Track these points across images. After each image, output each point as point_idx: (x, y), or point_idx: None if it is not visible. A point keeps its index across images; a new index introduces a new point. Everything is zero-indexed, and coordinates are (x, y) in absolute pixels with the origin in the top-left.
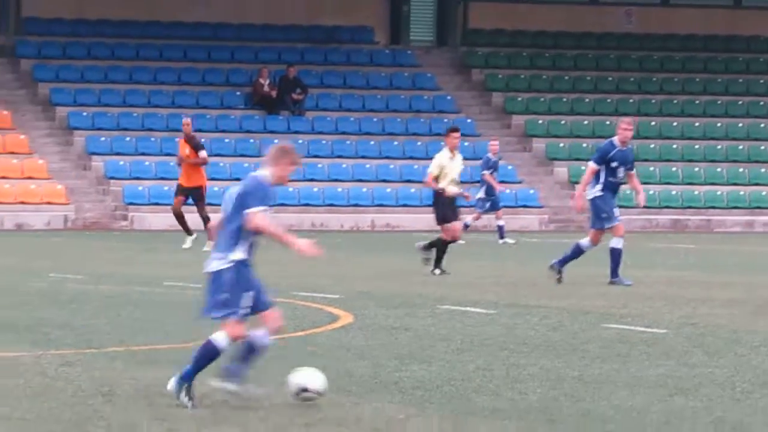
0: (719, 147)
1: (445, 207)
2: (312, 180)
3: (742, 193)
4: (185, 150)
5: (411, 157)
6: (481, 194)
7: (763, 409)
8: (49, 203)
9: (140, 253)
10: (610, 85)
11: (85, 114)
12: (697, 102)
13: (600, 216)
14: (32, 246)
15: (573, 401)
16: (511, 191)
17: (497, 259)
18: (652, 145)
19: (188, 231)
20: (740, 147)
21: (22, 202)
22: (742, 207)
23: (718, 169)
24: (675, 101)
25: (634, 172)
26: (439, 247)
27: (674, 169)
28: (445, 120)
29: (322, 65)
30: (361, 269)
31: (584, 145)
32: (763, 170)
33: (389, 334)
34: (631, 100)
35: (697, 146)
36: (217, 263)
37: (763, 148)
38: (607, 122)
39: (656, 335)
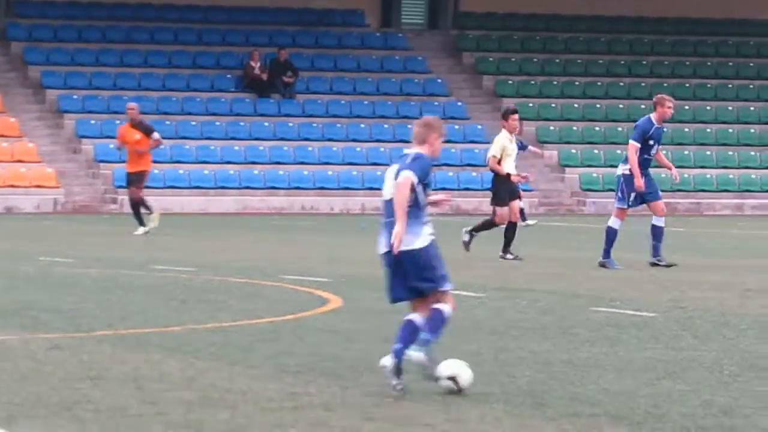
0: (709, 130)
1: (506, 188)
2: (303, 163)
3: (731, 176)
4: (134, 135)
5: (402, 141)
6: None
7: (751, 392)
8: (38, 186)
9: (129, 237)
10: (600, 68)
11: (75, 97)
12: (688, 85)
13: (620, 194)
14: (22, 229)
15: (562, 385)
16: None
17: (486, 242)
18: None
19: (141, 222)
20: (730, 130)
21: (12, 186)
22: (732, 190)
23: (708, 152)
24: (665, 84)
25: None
26: (509, 231)
27: (664, 152)
28: (436, 103)
29: (313, 48)
30: (350, 252)
31: (574, 128)
32: (752, 153)
33: (378, 318)
34: (621, 84)
35: (686, 129)
36: (417, 240)
37: (752, 131)
38: (598, 105)
39: (645, 319)
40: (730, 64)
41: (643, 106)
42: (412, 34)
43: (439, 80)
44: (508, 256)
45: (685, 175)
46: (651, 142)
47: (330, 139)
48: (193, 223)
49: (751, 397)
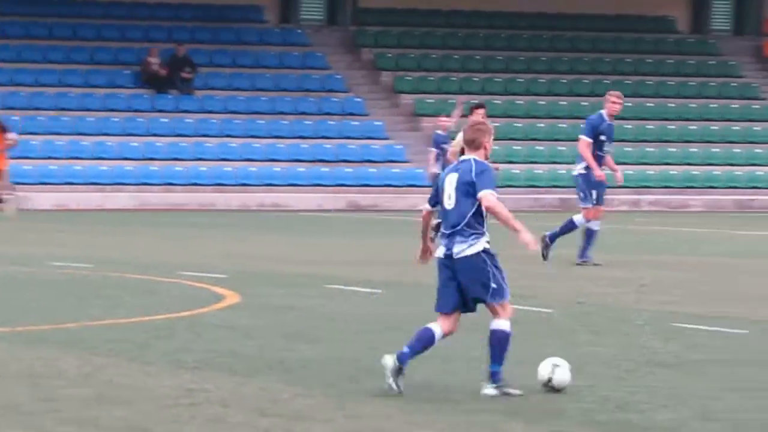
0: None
1: None
2: (200, 159)
3: (629, 172)
4: None
5: (300, 137)
6: (437, 169)
7: (647, 387)
8: None
9: (26, 233)
10: (498, 64)
11: None
12: (586, 81)
13: (588, 192)
14: None
15: (458, 381)
16: (400, 170)
17: (385, 238)
18: (541, 125)
19: None
20: (627, 126)
21: None
22: (629, 186)
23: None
24: (564, 81)
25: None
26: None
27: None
28: (334, 99)
29: (212, 44)
30: (248, 248)
31: None
32: (649, 149)
33: (276, 314)
34: (520, 80)
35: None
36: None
37: (649, 127)
38: (497, 101)
39: (543, 314)
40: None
41: (542, 102)
42: (310, 30)
43: (338, 76)
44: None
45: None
46: (603, 138)
47: (228, 135)
48: (90, 219)
49: (647, 393)
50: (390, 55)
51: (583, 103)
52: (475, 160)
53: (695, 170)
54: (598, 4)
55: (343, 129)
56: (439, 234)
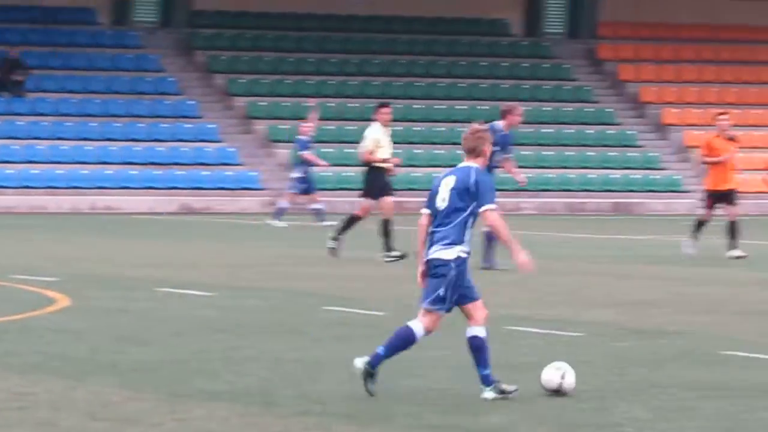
0: (439, 129)
1: (380, 182)
2: (31, 162)
3: None
4: None
5: (133, 139)
6: (298, 174)
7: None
8: None
9: None
10: (333, 67)
11: None
12: (420, 84)
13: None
14: None
15: (291, 383)
16: (233, 173)
17: (217, 241)
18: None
19: None
20: (458, 130)
21: None
22: None
23: (438, 152)
24: (397, 83)
25: (511, 156)
26: (384, 229)
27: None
28: (167, 102)
29: (45, 46)
30: (79, 252)
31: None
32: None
33: (107, 317)
34: (354, 82)
35: (418, 128)
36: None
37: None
38: (331, 104)
39: (376, 317)
40: (462, 63)
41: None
42: (144, 33)
43: (171, 79)
44: (393, 253)
45: (417, 174)
46: (495, 148)
47: (59, 138)
48: None
49: (478, 396)
50: (223, 57)
51: (415, 106)
52: (475, 168)
53: (528, 173)
54: (432, 8)
55: (175, 131)
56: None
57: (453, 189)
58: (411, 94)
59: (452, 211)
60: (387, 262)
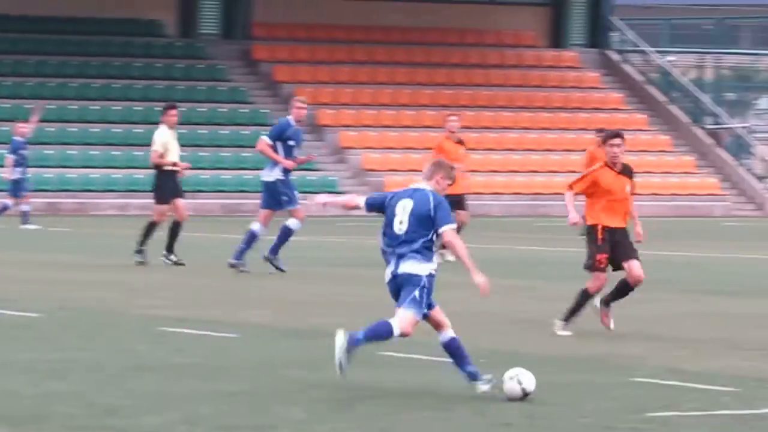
0: (95, 130)
1: (170, 185)
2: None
3: (116, 176)
4: None
5: None
6: (17, 175)
7: (133, 392)
8: None
9: None
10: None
11: None
12: (73, 84)
13: (280, 199)
14: None
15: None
16: None
17: None
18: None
19: None
20: (115, 130)
21: None
22: (117, 190)
23: (93, 152)
24: (51, 84)
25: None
26: (151, 230)
27: (49, 152)
28: None
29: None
30: None
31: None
32: (137, 153)
33: None
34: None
35: (72, 129)
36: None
37: (139, 131)
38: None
39: (29, 319)
40: (116, 63)
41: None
42: None
43: None
44: (172, 257)
45: (70, 175)
46: (291, 143)
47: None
48: None
49: (133, 397)
50: None
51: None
52: (431, 192)
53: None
54: (85, 8)
55: None
56: (387, 254)
57: (411, 214)
58: (64, 95)
59: (414, 235)
60: (166, 263)
